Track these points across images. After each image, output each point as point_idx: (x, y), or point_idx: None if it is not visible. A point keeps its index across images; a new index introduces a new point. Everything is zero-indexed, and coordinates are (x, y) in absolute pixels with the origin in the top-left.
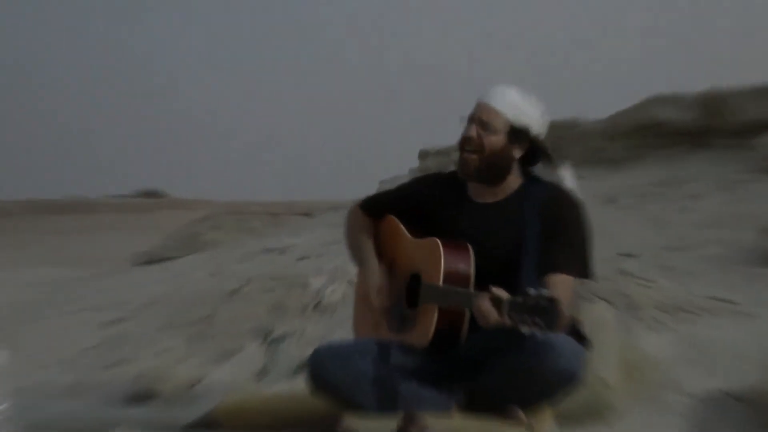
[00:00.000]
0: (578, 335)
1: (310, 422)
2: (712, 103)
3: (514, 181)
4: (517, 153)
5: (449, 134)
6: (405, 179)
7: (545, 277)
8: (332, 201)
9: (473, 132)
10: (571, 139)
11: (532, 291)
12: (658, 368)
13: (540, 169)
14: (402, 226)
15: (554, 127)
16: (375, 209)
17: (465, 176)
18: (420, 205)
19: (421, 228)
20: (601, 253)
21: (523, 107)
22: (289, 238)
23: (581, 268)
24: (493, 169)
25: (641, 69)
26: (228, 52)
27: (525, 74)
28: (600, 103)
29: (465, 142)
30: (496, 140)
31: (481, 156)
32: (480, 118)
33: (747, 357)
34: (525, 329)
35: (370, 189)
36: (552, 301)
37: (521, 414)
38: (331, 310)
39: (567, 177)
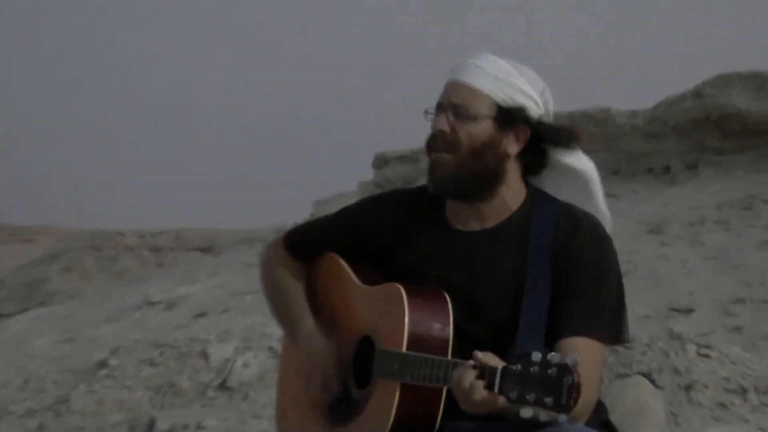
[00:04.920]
0: (604, 425)
1: None
2: None
3: (510, 196)
4: (513, 148)
5: (418, 135)
6: (352, 199)
7: (560, 341)
8: (243, 230)
9: (443, 124)
10: (598, 139)
11: (536, 355)
12: None
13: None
14: (347, 267)
15: (573, 121)
16: (306, 246)
17: (436, 188)
18: (372, 237)
19: (375, 270)
20: (642, 306)
21: (512, 80)
22: (181, 286)
23: (612, 331)
24: (477, 174)
25: (695, 41)
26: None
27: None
28: (639, 88)
29: (433, 140)
30: (477, 131)
31: (458, 155)
32: (451, 103)
33: None
34: (526, 412)
35: (300, 214)
36: (565, 369)
37: None
38: (243, 392)
39: (596, 181)
